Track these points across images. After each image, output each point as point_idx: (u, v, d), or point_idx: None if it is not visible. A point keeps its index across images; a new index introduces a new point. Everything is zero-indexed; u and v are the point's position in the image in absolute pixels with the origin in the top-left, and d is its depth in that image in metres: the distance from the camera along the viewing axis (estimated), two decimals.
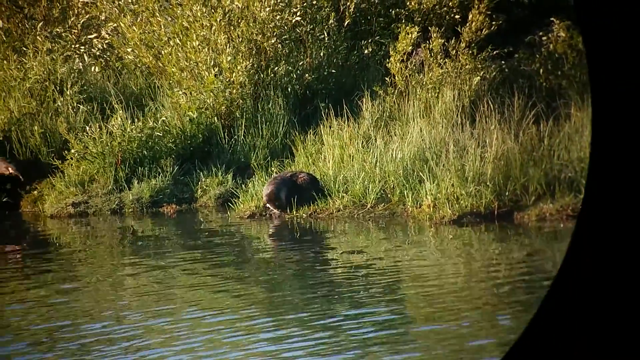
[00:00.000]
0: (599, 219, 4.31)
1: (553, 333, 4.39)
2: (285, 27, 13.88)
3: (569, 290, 4.36)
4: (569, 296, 4.35)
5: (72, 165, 13.32)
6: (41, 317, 7.88)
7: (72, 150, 13.31)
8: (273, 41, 13.77)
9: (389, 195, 11.48)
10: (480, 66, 12.82)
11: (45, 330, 7.46)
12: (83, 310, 8.08)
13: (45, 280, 9.41)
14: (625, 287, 4.28)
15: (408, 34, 13.04)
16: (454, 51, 12.93)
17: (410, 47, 13.09)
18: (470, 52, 12.90)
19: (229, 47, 13.64)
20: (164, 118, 13.39)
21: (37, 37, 15.23)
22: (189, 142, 13.39)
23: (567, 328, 4.34)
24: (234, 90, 13.61)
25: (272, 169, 12.88)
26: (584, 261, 4.33)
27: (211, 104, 13.59)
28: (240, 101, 13.63)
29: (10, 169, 13.45)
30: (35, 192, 13.68)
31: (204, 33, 13.73)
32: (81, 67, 14.60)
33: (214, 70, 13.62)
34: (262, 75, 13.73)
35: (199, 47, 13.76)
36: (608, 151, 4.26)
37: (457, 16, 14.08)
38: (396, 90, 13.07)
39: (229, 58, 13.55)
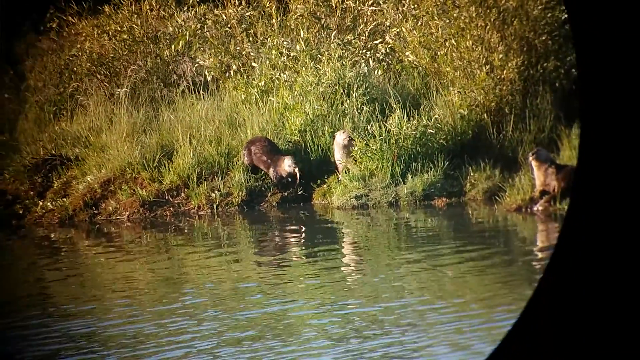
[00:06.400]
0: (585, 219, 4.02)
1: (540, 331, 4.12)
2: (555, 24, 13.10)
3: (557, 287, 4.07)
4: (556, 294, 4.07)
5: (355, 161, 13.17)
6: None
7: (356, 148, 13.19)
8: (544, 38, 13.08)
9: None
10: None
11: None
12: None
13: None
14: (611, 286, 4.02)
15: None
16: None
17: None
18: None
19: (502, 45, 13.08)
20: (437, 116, 13.03)
21: (331, 45, 15.17)
22: (459, 138, 13.15)
23: (554, 326, 4.07)
24: (504, 87, 13.08)
25: None
26: (571, 258, 4.04)
27: (481, 101, 13.13)
28: (510, 97, 13.09)
29: (295, 169, 13.46)
30: (325, 185, 13.65)
31: (478, 33, 13.20)
32: (366, 71, 14.43)
33: (485, 68, 13.07)
34: (531, 72, 13.04)
35: (473, 46, 13.24)
36: (596, 150, 3.97)
37: None
38: None
39: (501, 56, 12.97)
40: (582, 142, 3.96)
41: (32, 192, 14.79)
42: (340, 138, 13.27)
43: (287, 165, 13.53)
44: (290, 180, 13.71)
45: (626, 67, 3.97)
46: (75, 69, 16.45)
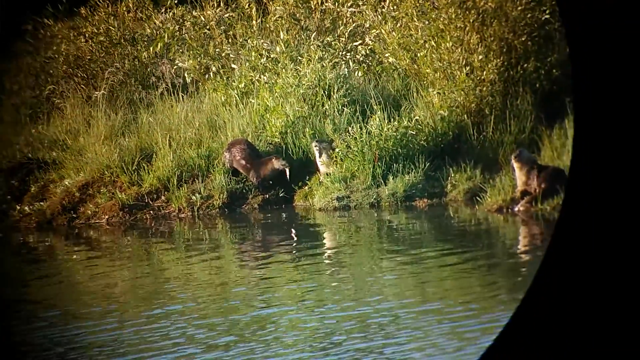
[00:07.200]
0: (578, 222, 4.02)
1: (530, 334, 4.14)
2: (535, 25, 13.18)
3: (550, 289, 4.08)
4: (545, 300, 4.08)
5: (336, 163, 13.21)
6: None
7: (337, 150, 13.23)
8: (523, 39, 13.17)
9: None
10: None
11: None
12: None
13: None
14: (606, 287, 4.03)
15: None
16: None
17: None
18: None
19: (481, 46, 13.15)
20: (417, 117, 13.08)
21: (311, 46, 15.17)
22: (440, 139, 13.21)
23: (543, 331, 4.05)
24: (484, 88, 13.16)
25: None
26: (561, 264, 4.04)
27: (462, 102, 13.21)
28: (490, 98, 13.17)
29: (286, 167, 13.51)
30: (306, 187, 13.65)
31: (458, 34, 13.26)
32: (346, 72, 14.44)
33: (465, 69, 13.13)
34: (511, 73, 13.11)
35: (452, 47, 13.30)
36: (589, 153, 3.96)
37: None
38: None
39: (481, 57, 13.04)
40: (575, 143, 3.97)
41: (9, 197, 14.70)
42: (313, 146, 13.36)
43: (278, 164, 13.55)
44: (272, 182, 13.73)
45: (621, 69, 3.97)
46: (51, 71, 16.37)
